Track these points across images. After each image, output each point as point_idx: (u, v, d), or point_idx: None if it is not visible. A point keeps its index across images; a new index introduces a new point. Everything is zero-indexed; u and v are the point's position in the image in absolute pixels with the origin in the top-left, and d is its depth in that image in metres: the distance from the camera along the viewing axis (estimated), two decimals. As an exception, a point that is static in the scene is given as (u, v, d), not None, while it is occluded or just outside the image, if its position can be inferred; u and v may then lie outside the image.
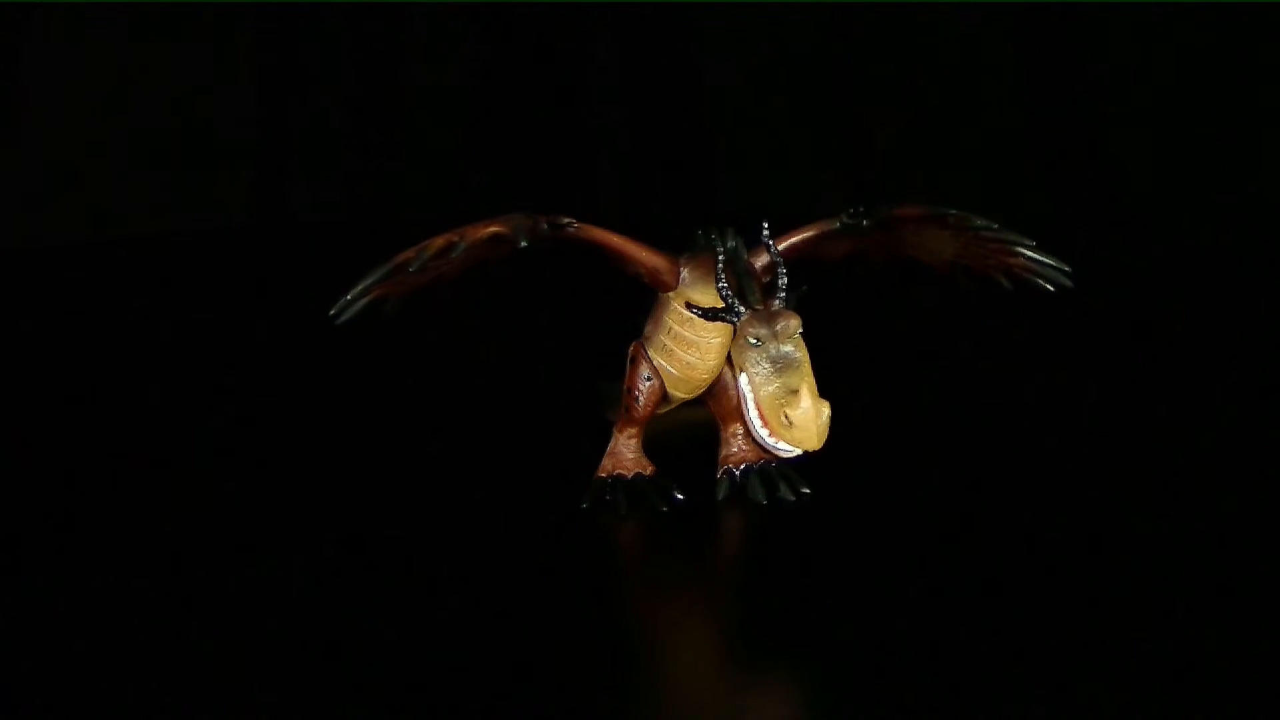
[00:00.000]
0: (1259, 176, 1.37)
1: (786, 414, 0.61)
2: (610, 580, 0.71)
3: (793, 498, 0.74)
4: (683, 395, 0.74)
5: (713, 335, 0.71)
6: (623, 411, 0.75)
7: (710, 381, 0.73)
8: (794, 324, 0.63)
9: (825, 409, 0.62)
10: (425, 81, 1.68)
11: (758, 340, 0.63)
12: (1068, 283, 0.70)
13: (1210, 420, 0.89)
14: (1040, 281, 0.71)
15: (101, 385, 1.03)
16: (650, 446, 0.76)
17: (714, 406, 0.76)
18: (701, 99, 1.66)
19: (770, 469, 0.75)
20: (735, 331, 0.64)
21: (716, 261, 0.65)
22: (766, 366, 0.63)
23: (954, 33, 1.50)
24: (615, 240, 0.69)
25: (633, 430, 0.75)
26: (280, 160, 1.65)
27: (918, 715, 0.54)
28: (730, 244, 0.66)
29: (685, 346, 0.71)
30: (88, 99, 1.55)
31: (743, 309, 0.64)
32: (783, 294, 0.64)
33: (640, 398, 0.73)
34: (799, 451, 0.64)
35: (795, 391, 0.62)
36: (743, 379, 0.64)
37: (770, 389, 0.62)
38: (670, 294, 0.71)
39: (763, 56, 1.62)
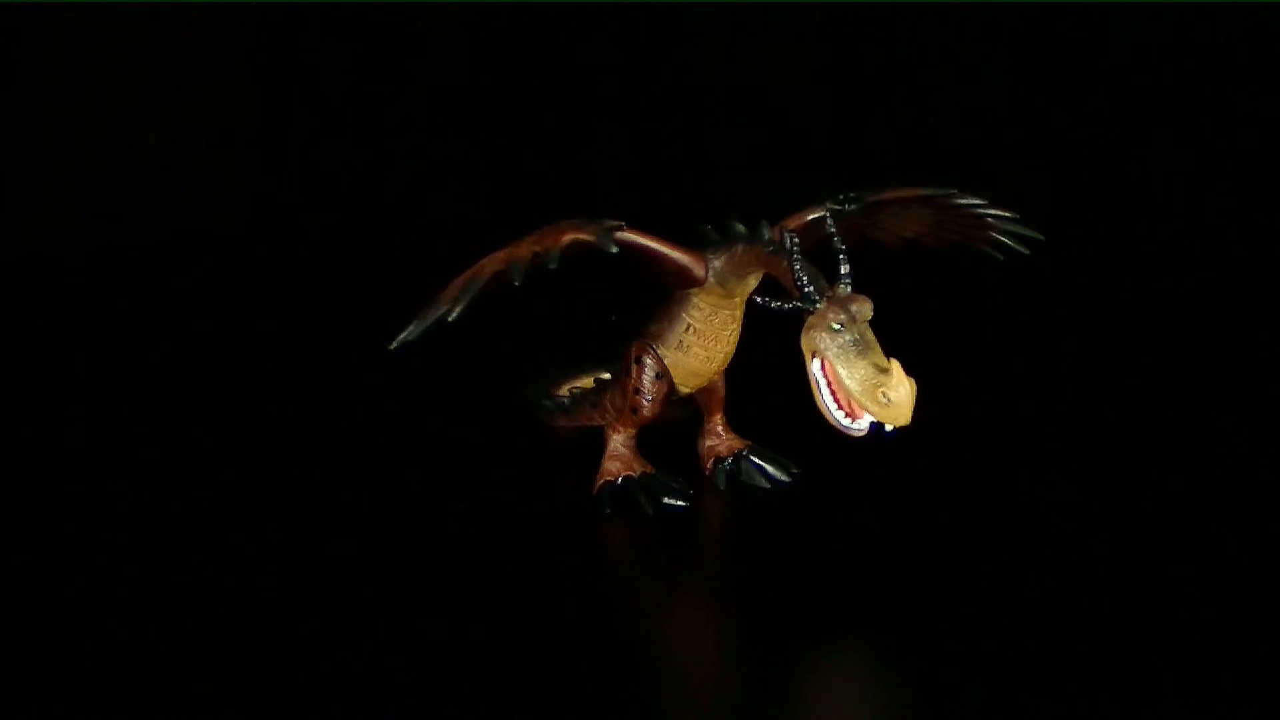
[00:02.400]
0: (1260, 175, 1.39)
1: (885, 393, 0.64)
2: (616, 580, 0.72)
3: (787, 479, 0.77)
4: (688, 390, 0.75)
5: (731, 328, 0.73)
6: (628, 412, 0.74)
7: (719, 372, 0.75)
8: (868, 307, 0.65)
9: (913, 384, 0.65)
10: (425, 81, 1.64)
11: (840, 326, 0.65)
12: (1025, 251, 0.77)
13: (1203, 416, 0.90)
14: (994, 252, 0.77)
15: (100, 388, 1.02)
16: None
17: (702, 398, 0.77)
18: (700, 96, 1.65)
19: (758, 454, 0.78)
20: (808, 320, 0.66)
21: (790, 255, 0.67)
22: (850, 350, 0.65)
23: (954, 31, 1.52)
24: (654, 243, 0.69)
25: (633, 430, 0.75)
26: (279, 162, 1.62)
27: (925, 697, 0.57)
28: (795, 238, 0.67)
29: (705, 341, 0.72)
30: (85, 101, 1.52)
31: (818, 297, 0.66)
32: (848, 279, 0.67)
33: (651, 397, 0.74)
34: (865, 430, 0.66)
35: (885, 370, 0.64)
36: (814, 366, 0.66)
37: (859, 372, 0.64)
38: (693, 290, 0.72)
39: (762, 54, 1.61)
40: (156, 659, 0.61)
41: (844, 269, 0.66)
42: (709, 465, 0.78)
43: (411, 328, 0.64)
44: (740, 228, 0.71)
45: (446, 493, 0.79)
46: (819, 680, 0.60)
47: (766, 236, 0.69)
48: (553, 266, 0.64)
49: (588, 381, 0.87)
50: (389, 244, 1.55)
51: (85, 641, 0.63)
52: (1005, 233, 0.76)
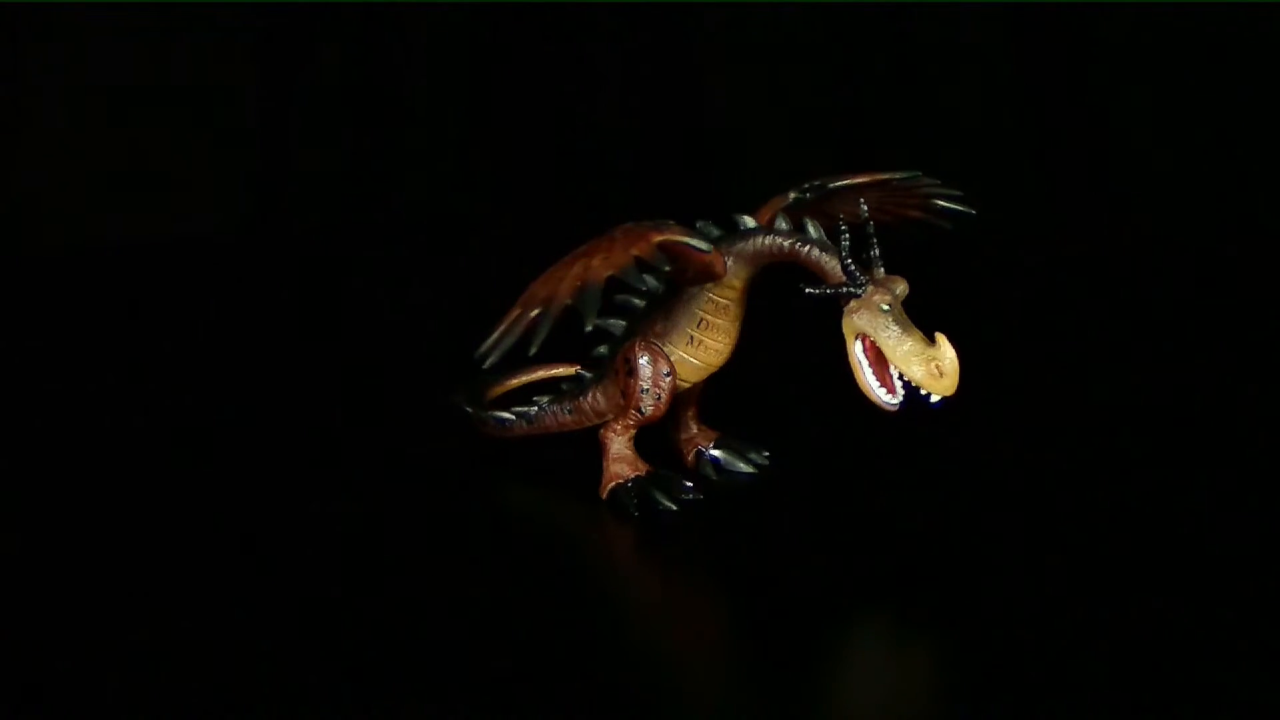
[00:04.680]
0: (1259, 176, 1.40)
1: (938, 366, 0.68)
2: (617, 579, 0.72)
3: (765, 462, 0.79)
4: (687, 385, 0.76)
5: (740, 319, 0.74)
6: (630, 413, 0.74)
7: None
8: (905, 286, 0.69)
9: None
10: (425, 82, 1.61)
11: (888, 307, 0.68)
12: (949, 227, 0.81)
13: (1194, 412, 0.90)
14: (912, 230, 0.82)
15: (98, 388, 1.00)
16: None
17: (680, 393, 0.78)
18: (700, 95, 1.60)
19: (734, 443, 0.79)
20: (852, 304, 0.68)
21: (838, 242, 0.69)
22: (896, 329, 0.68)
23: (955, 29, 1.49)
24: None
25: (634, 431, 0.75)
26: (279, 164, 1.60)
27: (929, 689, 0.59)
28: (844, 226, 0.69)
29: (717, 334, 0.73)
30: (85, 101, 1.51)
31: (864, 280, 0.68)
32: (880, 261, 0.70)
33: (661, 395, 0.74)
34: (898, 404, 0.70)
35: (932, 345, 0.68)
36: (857, 348, 0.69)
37: (907, 347, 0.68)
38: (707, 285, 0.72)
39: (762, 52, 1.55)
40: (147, 659, 0.60)
41: (875, 251, 0.69)
42: (690, 457, 0.79)
43: (503, 337, 0.64)
44: (749, 221, 0.72)
45: (441, 497, 0.78)
46: (823, 673, 0.61)
47: (786, 228, 0.71)
48: (667, 269, 0.63)
49: (509, 385, 0.86)
50: (388, 245, 1.52)
51: (75, 640, 0.62)
52: (940, 211, 0.80)
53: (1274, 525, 0.71)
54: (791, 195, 0.76)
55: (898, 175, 0.77)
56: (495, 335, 0.65)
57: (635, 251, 0.64)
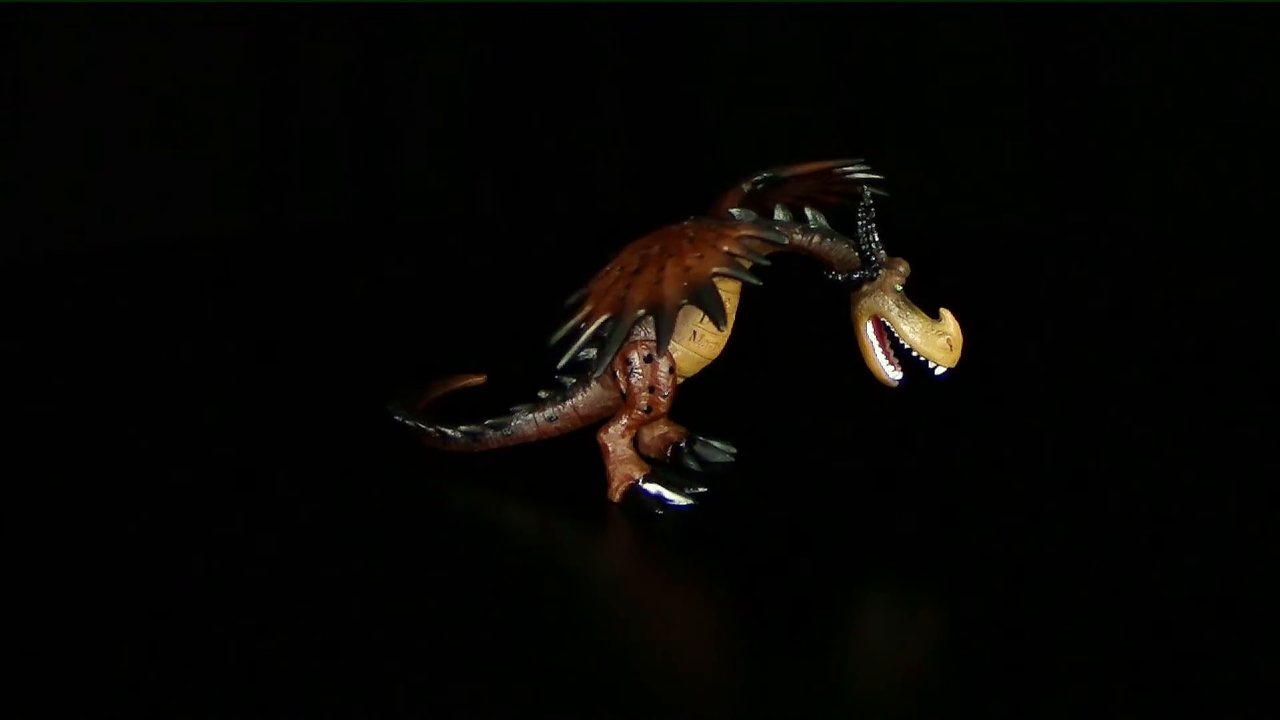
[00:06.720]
0: (1259, 177, 1.37)
1: (948, 340, 0.71)
2: (622, 579, 0.72)
3: (735, 451, 0.80)
4: (681, 380, 0.75)
5: (733, 313, 0.74)
6: (634, 413, 0.73)
7: None
8: (908, 266, 0.72)
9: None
10: (426, 82, 1.58)
11: (900, 288, 0.71)
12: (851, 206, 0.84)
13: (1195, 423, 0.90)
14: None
15: (97, 388, 0.98)
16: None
17: None
18: (700, 90, 1.57)
19: (697, 437, 0.80)
20: (866, 288, 0.71)
21: (856, 230, 0.71)
22: (904, 307, 0.71)
23: (955, 25, 1.41)
24: None
25: (634, 433, 0.74)
26: (280, 163, 1.58)
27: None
28: (862, 215, 0.71)
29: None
30: (84, 101, 1.50)
31: (878, 263, 0.71)
32: (881, 246, 0.72)
33: (665, 393, 0.73)
34: (899, 380, 0.73)
35: (939, 320, 0.72)
36: (868, 329, 0.71)
37: (918, 324, 0.71)
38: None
39: (762, 49, 1.47)
40: (149, 659, 0.59)
41: (875, 238, 0.72)
42: (668, 453, 0.79)
43: (605, 342, 0.65)
44: (744, 215, 0.73)
45: (428, 505, 0.77)
46: (828, 666, 0.62)
47: (787, 219, 0.73)
48: (768, 264, 0.64)
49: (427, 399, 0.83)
50: (388, 245, 1.46)
51: (72, 640, 0.61)
52: (858, 195, 0.82)
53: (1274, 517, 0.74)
54: (745, 187, 0.77)
55: (843, 164, 0.79)
56: (581, 341, 0.64)
57: (727, 248, 0.64)
